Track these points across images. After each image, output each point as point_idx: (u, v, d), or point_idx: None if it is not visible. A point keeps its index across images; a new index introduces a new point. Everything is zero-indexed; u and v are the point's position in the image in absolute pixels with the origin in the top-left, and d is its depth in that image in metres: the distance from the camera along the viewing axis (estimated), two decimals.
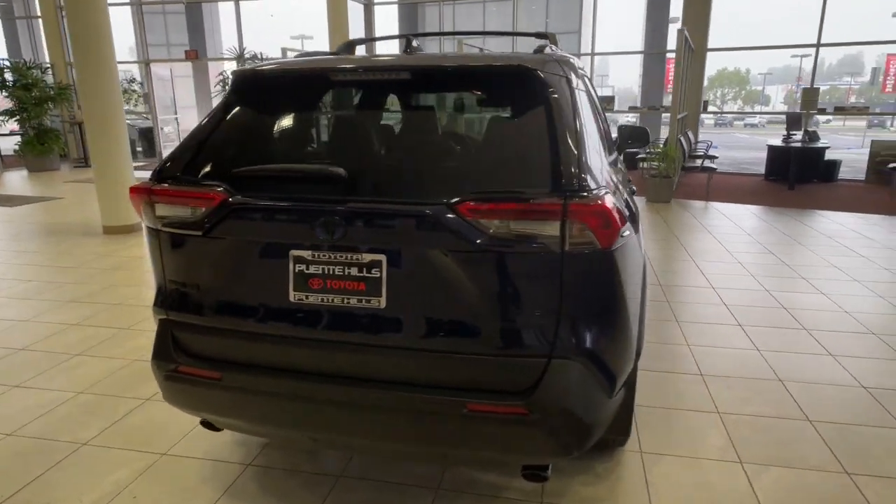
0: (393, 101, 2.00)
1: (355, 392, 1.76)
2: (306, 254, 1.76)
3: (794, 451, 2.50)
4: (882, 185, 10.10)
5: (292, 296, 1.79)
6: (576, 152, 1.68)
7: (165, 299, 1.99)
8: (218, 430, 2.20)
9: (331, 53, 2.24)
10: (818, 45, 11.20)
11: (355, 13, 13.63)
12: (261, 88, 2.05)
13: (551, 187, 1.62)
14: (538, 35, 2.67)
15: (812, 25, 11.44)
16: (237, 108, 2.03)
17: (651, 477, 2.33)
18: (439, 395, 1.71)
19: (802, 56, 29.37)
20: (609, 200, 1.63)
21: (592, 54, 15.79)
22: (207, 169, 1.92)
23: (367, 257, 1.71)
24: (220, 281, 1.88)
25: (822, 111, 10.83)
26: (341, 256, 1.73)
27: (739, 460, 2.44)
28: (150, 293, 4.50)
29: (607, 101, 13.14)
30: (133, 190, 1.96)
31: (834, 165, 10.71)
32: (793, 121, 11.29)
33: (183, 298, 1.95)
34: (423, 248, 1.67)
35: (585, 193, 1.60)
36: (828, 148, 10.71)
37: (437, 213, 1.63)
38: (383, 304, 1.72)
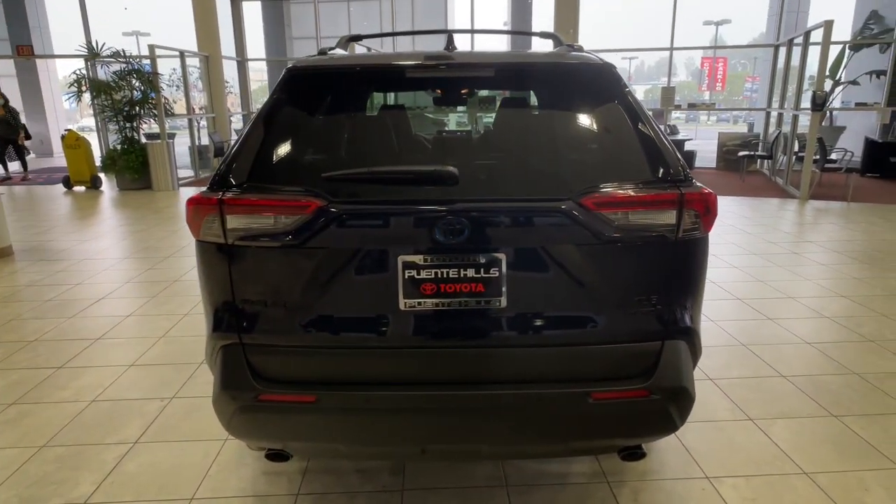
0: (475, 97, 1.96)
1: (477, 396, 1.72)
2: (418, 258, 1.68)
3: (787, 404, 2.86)
4: (730, 170, 11.66)
5: (402, 304, 1.69)
6: (670, 146, 1.78)
7: (235, 322, 1.77)
8: (287, 459, 2.01)
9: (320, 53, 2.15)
10: (672, 49, 12.57)
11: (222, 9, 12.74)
12: (324, 86, 1.90)
13: (660, 179, 1.71)
14: (544, 35, 2.76)
15: (646, 32, 12.79)
16: (297, 108, 1.88)
17: (688, 444, 2.53)
18: (564, 388, 1.73)
19: (630, 59, 33.32)
20: (709, 189, 1.75)
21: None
22: (281, 174, 1.75)
23: (486, 257, 1.68)
24: (314, 295, 1.72)
25: (678, 107, 12.24)
26: (457, 258, 1.68)
27: (749, 418, 2.73)
28: (65, 324, 3.95)
29: None
30: (195, 201, 1.73)
31: (692, 155, 12.14)
32: (655, 116, 12.59)
33: (262, 319, 1.76)
34: (544, 243, 1.68)
35: (694, 183, 1.72)
36: (688, 140, 12.11)
37: (561, 208, 1.64)
38: (504, 303, 1.69)
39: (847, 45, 12.23)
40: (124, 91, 9.98)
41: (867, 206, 7.92)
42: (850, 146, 8.85)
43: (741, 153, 10.66)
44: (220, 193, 1.70)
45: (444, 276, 1.69)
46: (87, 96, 10.40)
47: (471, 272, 1.69)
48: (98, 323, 4.05)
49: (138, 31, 29.62)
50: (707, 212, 1.73)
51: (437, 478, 2.32)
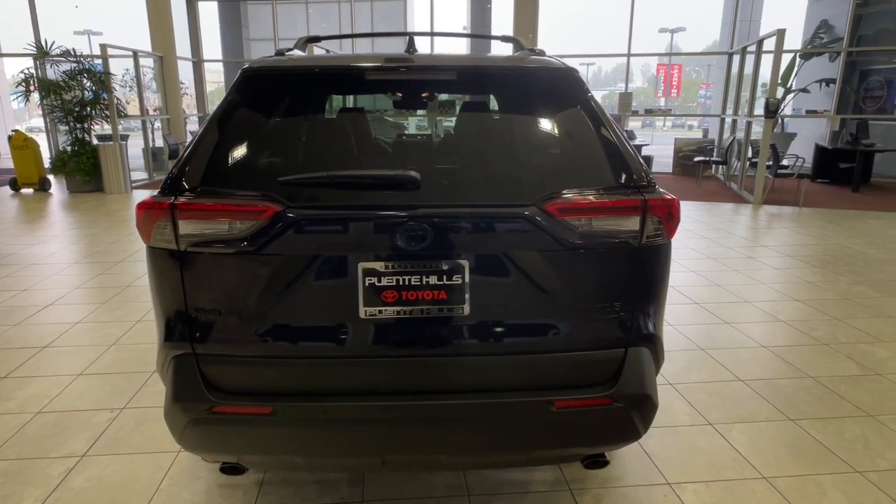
0: (435, 100, 1.92)
1: (439, 406, 1.68)
2: (378, 265, 1.63)
3: (745, 408, 2.91)
4: (686, 175, 11.94)
5: (362, 312, 1.65)
6: (633, 151, 1.78)
7: (188, 331, 1.69)
8: (242, 472, 1.93)
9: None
10: (629, 55, 12.81)
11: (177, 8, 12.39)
12: (280, 88, 1.84)
13: (623, 185, 1.71)
14: (505, 38, 2.74)
15: (603, 38, 13.03)
16: (252, 110, 1.81)
17: (649, 450, 2.54)
18: (527, 397, 1.70)
19: (588, 65, 34.06)
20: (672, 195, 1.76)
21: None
22: (236, 178, 1.68)
23: (448, 263, 1.64)
24: (270, 303, 1.65)
25: (636, 112, 12.47)
26: (419, 265, 1.64)
27: (708, 422, 2.77)
28: (9, 332, 3.76)
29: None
30: (146, 206, 1.64)
31: (649, 160, 12.39)
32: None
33: (216, 328, 1.68)
34: (507, 249, 1.66)
35: (657, 189, 1.72)
36: (645, 145, 12.35)
37: (525, 214, 1.62)
38: (467, 310, 1.66)
39: (798, 54, 12.69)
40: (75, 91, 9.60)
41: (818, 211, 8.20)
42: (800, 153, 9.16)
43: (697, 158, 10.93)
44: (172, 198, 1.62)
45: (406, 283, 1.64)
46: (35, 96, 9.98)
47: (433, 279, 1.65)
48: (45, 330, 3.85)
49: (90, 29, 28.61)
50: (670, 218, 1.74)
51: (397, 488, 2.27)
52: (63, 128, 9.97)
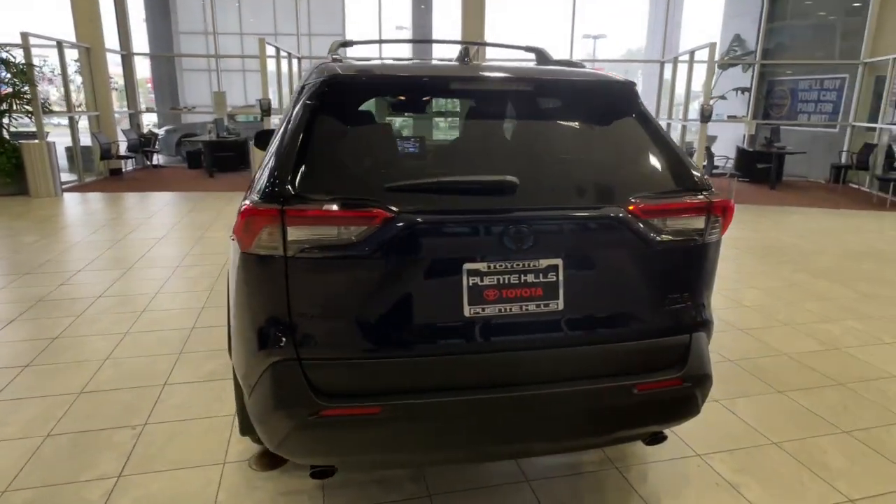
0: (511, 110, 2.03)
1: (537, 395, 1.80)
2: (481, 266, 1.73)
3: (740, 385, 3.22)
4: None
5: (467, 310, 1.74)
6: (687, 157, 1.98)
7: (291, 337, 1.71)
8: (332, 475, 1.95)
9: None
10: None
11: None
12: (367, 93, 1.90)
13: (688, 187, 1.90)
14: (528, 49, 2.90)
15: (543, 43, 13.57)
16: (339, 115, 1.85)
17: (674, 428, 2.77)
18: (613, 382, 1.86)
19: None
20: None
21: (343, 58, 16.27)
22: (333, 185, 1.72)
23: (544, 262, 1.77)
24: (377, 306, 1.71)
25: None
26: (518, 265, 1.75)
27: (715, 399, 3.05)
28: None
29: None
30: (251, 212, 1.65)
31: None
32: None
33: (322, 332, 1.71)
34: (596, 248, 1.80)
35: (714, 190, 1.93)
36: None
37: (614, 215, 1.78)
38: (561, 305, 1.79)
39: (717, 64, 13.78)
40: None
41: (747, 207, 8.97)
42: (721, 154, 9.97)
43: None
44: (280, 204, 1.64)
45: (506, 281, 1.75)
46: None
47: (530, 277, 1.76)
48: (18, 349, 3.59)
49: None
50: (725, 216, 1.95)
51: (457, 480, 2.36)
52: None
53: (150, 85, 18.90)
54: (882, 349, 3.73)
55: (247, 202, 1.71)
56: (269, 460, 2.47)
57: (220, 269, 5.27)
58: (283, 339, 1.72)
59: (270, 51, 10.29)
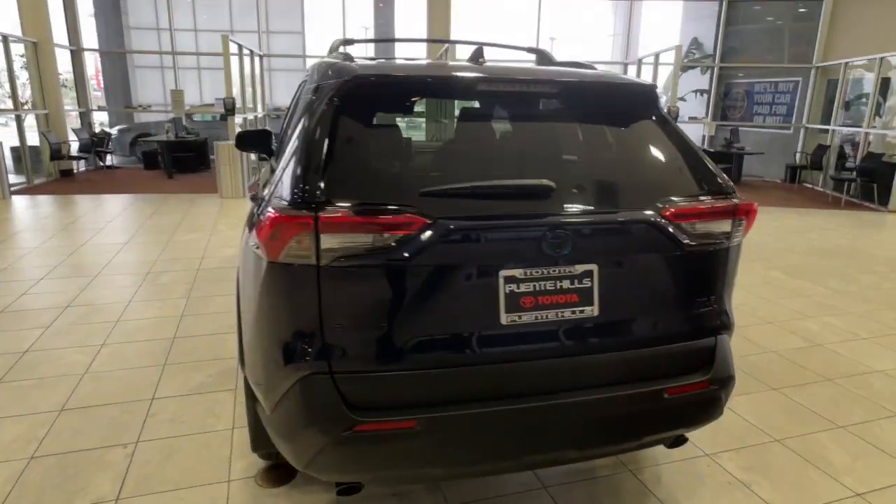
0: (539, 112, 1.99)
1: (573, 402, 1.77)
2: (517, 272, 1.69)
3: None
4: None
5: (504, 318, 1.69)
6: (710, 160, 1.99)
7: (321, 350, 1.63)
8: (359, 491, 1.87)
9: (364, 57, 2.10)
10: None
11: None
12: (391, 95, 1.82)
13: (712, 191, 1.91)
14: (530, 50, 2.88)
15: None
16: (363, 117, 1.78)
17: None
18: (644, 387, 1.85)
19: None
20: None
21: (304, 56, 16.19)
22: (363, 190, 1.65)
23: (580, 268, 1.74)
24: (413, 315, 1.65)
25: None
26: (554, 271, 1.72)
27: None
28: None
29: None
30: (281, 220, 1.56)
31: None
32: None
33: (355, 343, 1.64)
34: (630, 252, 1.79)
35: (737, 194, 1.94)
36: None
37: (648, 219, 1.77)
38: (595, 311, 1.77)
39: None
40: None
41: None
42: None
43: None
44: (314, 210, 1.55)
45: (542, 288, 1.72)
46: None
47: (566, 283, 1.73)
48: None
49: None
50: (748, 219, 1.97)
51: (474, 491, 2.32)
52: None
53: (95, 82, 18.07)
54: (861, 344, 3.87)
55: (271, 209, 1.62)
56: (276, 476, 2.37)
57: (194, 275, 5.06)
58: (314, 351, 1.63)
59: (233, 48, 9.99)
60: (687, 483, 2.41)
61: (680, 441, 2.13)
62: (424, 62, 2.09)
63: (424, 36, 12.64)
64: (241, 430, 2.70)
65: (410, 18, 19.22)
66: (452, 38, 12.56)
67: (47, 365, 3.34)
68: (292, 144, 1.84)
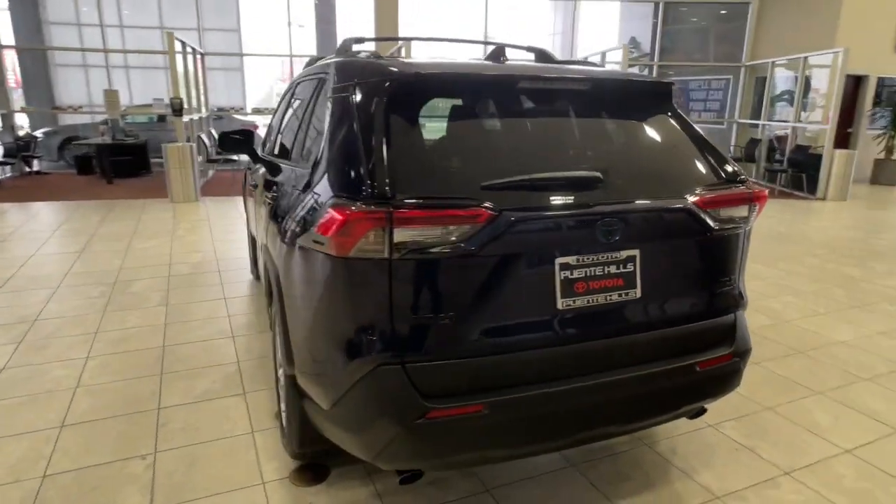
0: (576, 108, 2.08)
1: (621, 379, 1.89)
2: (571, 259, 1.79)
3: None
4: None
5: (560, 304, 1.79)
6: (722, 149, 2.17)
7: (391, 342, 1.67)
8: (420, 478, 1.91)
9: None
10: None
11: None
12: (438, 92, 1.89)
13: (729, 180, 2.07)
14: (529, 49, 2.99)
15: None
16: (411, 114, 1.83)
17: None
18: (680, 362, 1.99)
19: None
20: None
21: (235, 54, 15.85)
22: (424, 184, 1.71)
23: (625, 253, 1.86)
24: (478, 304, 1.71)
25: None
26: (603, 257, 1.83)
27: None
28: None
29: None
30: (355, 216, 1.59)
31: None
32: None
33: (424, 333, 1.69)
34: (668, 237, 1.93)
35: (751, 182, 2.12)
36: None
37: (683, 206, 1.91)
38: (638, 294, 1.90)
39: (621, 66, 14.73)
40: None
41: None
42: None
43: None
44: (387, 206, 1.59)
45: (592, 273, 1.82)
46: None
47: (613, 268, 1.85)
48: None
49: None
50: (760, 204, 2.15)
51: (507, 474, 2.40)
52: None
53: (14, 82, 16.86)
54: (820, 319, 4.23)
55: (339, 206, 1.64)
56: (310, 475, 2.37)
57: (167, 282, 4.89)
58: (385, 342, 1.68)
59: (175, 46, 9.61)
60: (700, 452, 2.59)
61: (701, 412, 2.30)
62: (475, 62, 2.17)
63: (372, 33, 12.58)
64: (263, 433, 2.67)
65: (352, 12, 19.02)
66: (400, 34, 12.56)
67: (32, 381, 3.16)
68: (338, 141, 1.86)
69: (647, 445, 2.63)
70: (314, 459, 2.42)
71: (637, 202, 1.87)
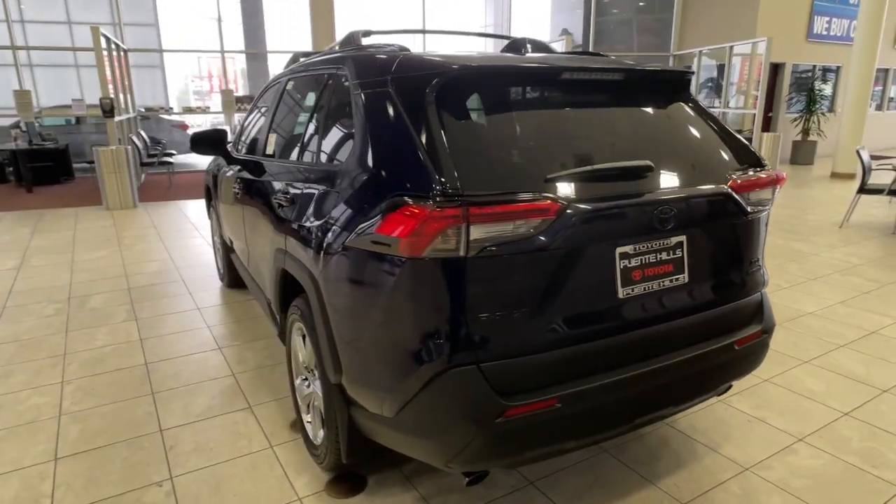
0: (615, 99, 2.08)
1: (675, 363, 1.93)
2: (629, 248, 1.81)
3: None
4: None
5: (621, 292, 1.81)
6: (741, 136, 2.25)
7: (466, 342, 1.63)
8: (485, 477, 1.88)
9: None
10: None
11: None
12: (490, 86, 1.85)
13: (752, 164, 2.16)
14: (526, 41, 2.99)
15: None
16: (465, 109, 1.80)
17: None
18: (722, 341, 2.05)
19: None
20: None
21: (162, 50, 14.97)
22: (489, 179, 1.67)
23: (674, 240, 1.90)
24: (549, 298, 1.70)
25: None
26: (655, 244, 1.86)
27: None
28: None
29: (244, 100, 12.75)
30: (431, 215, 1.53)
31: None
32: None
33: (498, 331, 1.66)
34: (710, 222, 1.98)
35: (770, 166, 2.21)
36: None
37: (724, 192, 1.97)
38: (686, 278, 1.94)
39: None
40: None
41: None
42: None
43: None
44: (462, 203, 1.54)
45: (646, 261, 1.85)
46: None
47: (664, 255, 1.89)
48: None
49: None
50: (780, 186, 2.25)
51: (546, 465, 2.41)
52: None
53: None
54: (786, 293, 4.51)
55: (406, 206, 1.58)
56: (348, 486, 2.29)
57: (128, 295, 4.56)
58: (460, 343, 1.63)
59: (93, 42, 8.94)
60: (718, 426, 2.70)
61: (728, 388, 2.39)
62: (517, 55, 2.16)
63: (309, 29, 12.21)
64: (283, 446, 2.55)
65: (285, 11, 18.46)
66: (336, 30, 12.26)
67: (7, 413, 2.87)
68: (386, 138, 1.79)
69: (668, 425, 2.71)
70: (350, 469, 2.33)
71: (684, 189, 1.91)
